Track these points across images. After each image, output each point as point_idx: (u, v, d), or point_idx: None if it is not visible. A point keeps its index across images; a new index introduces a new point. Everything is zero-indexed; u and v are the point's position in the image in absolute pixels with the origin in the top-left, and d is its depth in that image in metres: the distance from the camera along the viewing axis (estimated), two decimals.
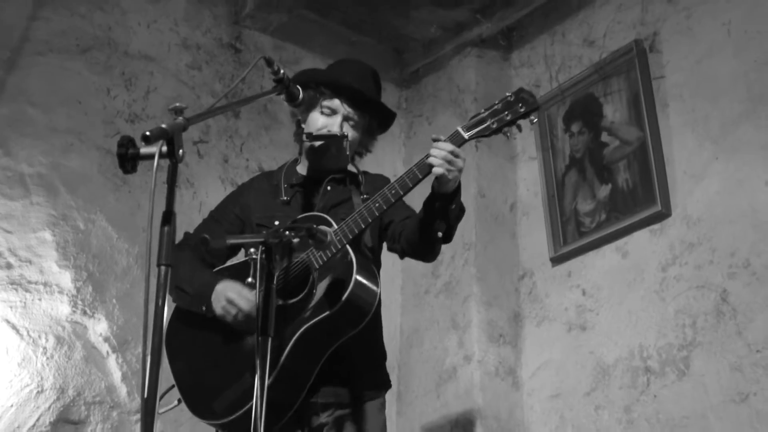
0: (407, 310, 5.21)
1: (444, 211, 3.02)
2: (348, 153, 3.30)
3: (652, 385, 4.22)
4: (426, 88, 5.65)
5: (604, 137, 4.76)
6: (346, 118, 3.31)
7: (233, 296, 3.04)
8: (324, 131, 3.26)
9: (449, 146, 2.91)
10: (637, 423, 4.22)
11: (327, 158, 3.31)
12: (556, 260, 4.83)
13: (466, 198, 5.05)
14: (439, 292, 5.06)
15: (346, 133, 3.26)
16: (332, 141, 3.26)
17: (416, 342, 5.08)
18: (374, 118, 3.41)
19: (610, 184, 4.66)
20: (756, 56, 4.19)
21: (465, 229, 5.03)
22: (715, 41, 4.37)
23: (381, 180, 3.40)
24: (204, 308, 3.12)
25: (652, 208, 4.40)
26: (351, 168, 3.42)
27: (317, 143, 3.27)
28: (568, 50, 5.11)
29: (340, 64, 3.52)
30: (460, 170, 2.92)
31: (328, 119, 3.28)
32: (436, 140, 2.95)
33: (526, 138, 5.19)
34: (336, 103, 3.30)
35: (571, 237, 4.78)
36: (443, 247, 4.96)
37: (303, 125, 3.36)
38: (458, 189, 3.01)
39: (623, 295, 4.47)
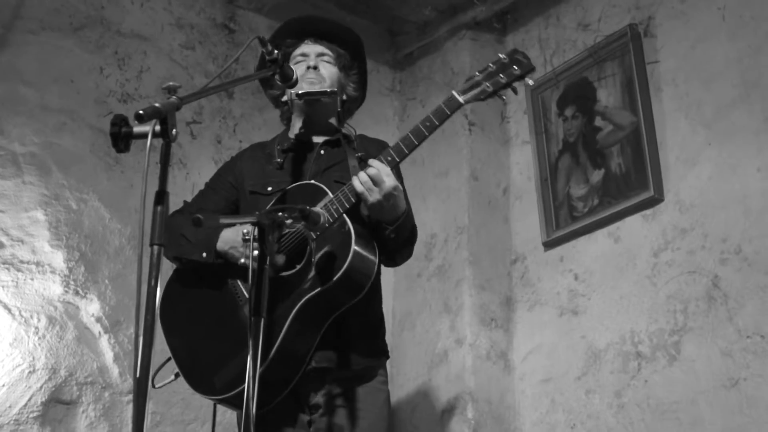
0: (399, 293, 5.21)
1: (381, 237, 3.05)
2: (339, 108, 3.29)
3: (643, 369, 4.23)
4: (420, 71, 5.64)
5: (598, 122, 4.75)
6: (320, 55, 3.30)
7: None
8: (316, 87, 3.23)
9: (372, 170, 2.91)
10: (628, 407, 4.24)
11: (319, 113, 3.29)
12: (549, 245, 4.83)
13: (459, 181, 5.08)
14: (431, 276, 5.07)
15: (335, 89, 3.25)
16: (322, 96, 3.24)
17: (408, 325, 5.09)
18: (345, 50, 3.39)
19: (603, 169, 4.66)
20: (750, 41, 4.18)
21: (458, 212, 5.03)
22: (709, 26, 4.36)
23: (376, 145, 3.38)
24: (205, 254, 3.10)
25: (645, 193, 4.40)
26: (345, 129, 3.39)
27: (307, 99, 3.24)
28: (562, 34, 5.10)
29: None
30: (384, 197, 2.92)
31: (302, 65, 3.26)
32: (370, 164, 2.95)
33: (519, 122, 5.19)
34: (304, 47, 3.30)
35: (564, 221, 4.78)
36: (437, 230, 5.02)
37: (285, 98, 3.34)
38: (398, 215, 3.01)
39: (615, 280, 4.48)
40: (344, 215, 2.97)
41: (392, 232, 3.04)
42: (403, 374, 4.99)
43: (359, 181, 2.91)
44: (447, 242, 5.04)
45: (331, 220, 2.95)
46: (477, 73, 2.99)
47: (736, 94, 4.17)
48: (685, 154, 4.32)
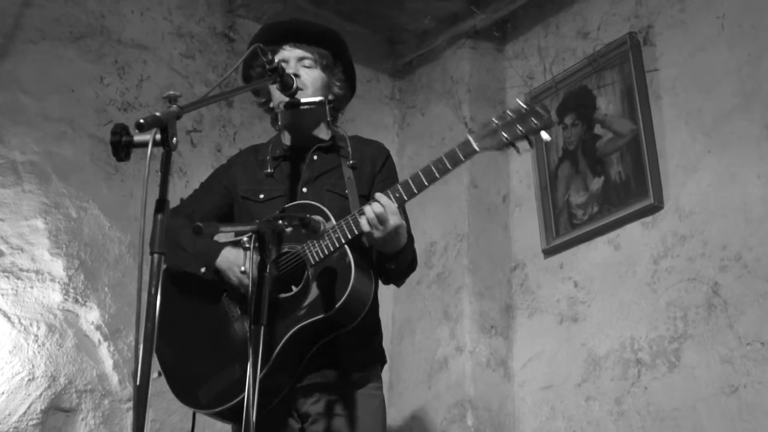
0: (399, 300, 5.21)
1: (381, 266, 3.05)
2: (328, 117, 3.26)
3: (642, 377, 4.23)
4: (420, 79, 5.65)
5: (598, 130, 4.76)
6: (300, 59, 3.24)
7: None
8: (303, 97, 3.15)
9: (379, 208, 2.87)
10: (628, 415, 4.24)
11: (307, 121, 3.26)
12: (549, 252, 4.84)
13: (459, 189, 5.09)
14: (431, 283, 5.07)
15: (323, 98, 3.19)
16: (311, 105, 3.18)
17: (408, 333, 5.09)
18: (327, 50, 3.32)
19: (602, 177, 4.67)
20: (749, 50, 4.19)
21: (458, 220, 5.04)
22: (708, 35, 4.37)
23: (372, 148, 3.35)
24: (204, 269, 3.08)
25: (645, 200, 4.40)
26: (336, 132, 3.36)
27: (293, 110, 3.17)
28: (562, 42, 5.11)
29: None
30: (388, 235, 2.89)
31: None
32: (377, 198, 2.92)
33: None
34: (283, 52, 3.24)
35: (564, 229, 4.78)
36: (436, 237, 5.03)
37: (272, 104, 3.31)
38: (401, 249, 3.00)
39: (615, 287, 4.48)
40: (345, 246, 2.94)
41: (392, 264, 3.05)
42: (403, 382, 4.99)
43: (366, 220, 2.88)
44: (447, 250, 5.05)
45: (332, 249, 2.93)
46: (494, 120, 2.88)
47: (736, 102, 4.18)
48: (684, 162, 4.33)
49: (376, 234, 2.89)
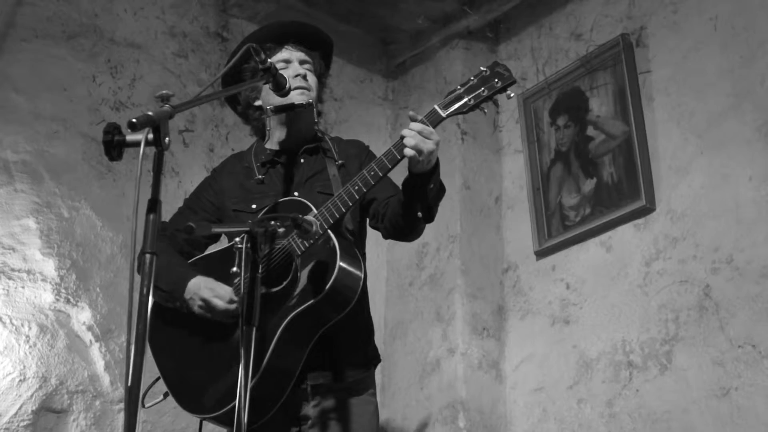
0: (391, 302, 5.21)
1: (422, 191, 3.01)
2: (315, 119, 3.28)
3: (634, 379, 4.24)
4: (413, 80, 5.65)
5: (590, 131, 4.77)
6: (302, 62, 3.29)
7: (207, 296, 3.00)
8: (291, 100, 3.18)
9: (418, 127, 2.89)
10: (619, 417, 4.24)
11: (298, 124, 3.28)
12: (541, 254, 4.84)
13: (451, 190, 5.05)
14: (423, 284, 5.07)
15: (310, 101, 3.22)
16: (299, 108, 3.21)
17: (400, 334, 5.09)
18: (322, 59, 3.39)
19: (595, 178, 4.67)
20: (742, 52, 4.20)
21: (450, 221, 5.04)
22: (701, 36, 4.38)
23: (354, 146, 3.38)
24: (178, 304, 3.09)
25: (637, 202, 4.41)
26: (322, 134, 3.38)
27: (285, 113, 3.22)
28: (554, 43, 5.11)
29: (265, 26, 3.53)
30: (430, 152, 2.87)
31: (286, 72, 3.18)
32: (412, 119, 2.93)
33: (511, 131, 5.20)
34: (285, 53, 3.28)
35: (556, 231, 4.79)
36: (429, 239, 5.02)
37: (258, 102, 3.33)
38: (435, 168, 2.97)
39: (607, 289, 4.48)
40: (329, 231, 2.95)
41: (430, 183, 2.99)
42: (395, 383, 4.99)
43: (410, 139, 2.87)
44: (439, 251, 5.05)
45: (316, 236, 2.94)
46: (459, 87, 2.99)
47: (728, 104, 4.19)
48: (677, 164, 4.34)
49: (422, 155, 2.87)
